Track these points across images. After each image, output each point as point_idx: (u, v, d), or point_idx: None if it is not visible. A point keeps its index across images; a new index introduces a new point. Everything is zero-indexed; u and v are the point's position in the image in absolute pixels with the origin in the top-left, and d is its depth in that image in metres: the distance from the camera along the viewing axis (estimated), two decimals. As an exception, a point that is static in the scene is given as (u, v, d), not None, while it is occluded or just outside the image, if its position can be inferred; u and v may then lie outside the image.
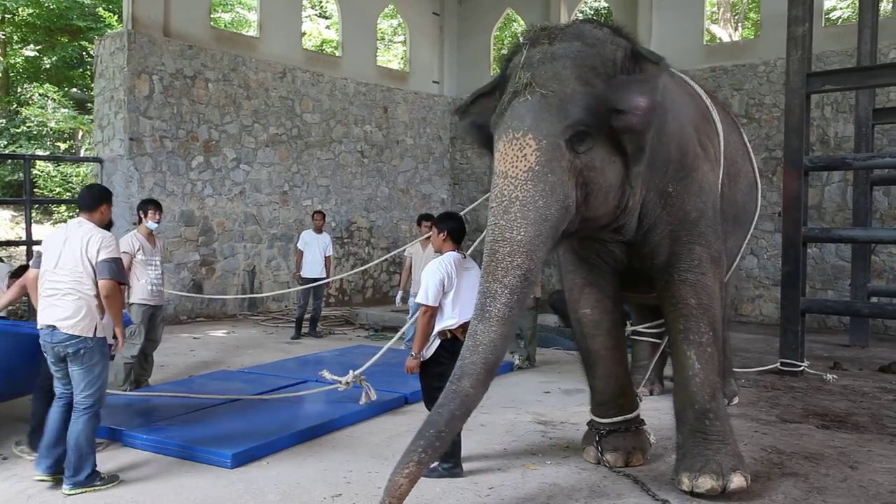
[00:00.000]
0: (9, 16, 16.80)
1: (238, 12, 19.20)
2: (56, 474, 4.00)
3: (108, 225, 4.98)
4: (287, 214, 12.21)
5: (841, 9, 16.94)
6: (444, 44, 15.01)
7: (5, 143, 16.09)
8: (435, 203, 14.56)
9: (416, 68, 14.75)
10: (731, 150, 4.75)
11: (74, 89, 17.92)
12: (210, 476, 4.21)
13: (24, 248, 10.33)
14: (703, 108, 4.53)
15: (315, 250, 9.46)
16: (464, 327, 4.30)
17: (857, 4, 9.71)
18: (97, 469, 4.03)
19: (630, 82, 3.53)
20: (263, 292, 11.73)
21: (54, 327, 3.91)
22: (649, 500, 3.87)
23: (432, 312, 4.22)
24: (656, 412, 5.23)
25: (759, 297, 11.44)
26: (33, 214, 12.71)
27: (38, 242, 6.99)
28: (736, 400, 6.00)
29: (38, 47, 17.28)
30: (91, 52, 14.15)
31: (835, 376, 7.03)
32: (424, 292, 4.22)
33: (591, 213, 3.66)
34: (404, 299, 8.27)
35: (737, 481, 3.79)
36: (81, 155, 16.93)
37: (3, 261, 7.72)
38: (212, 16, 12.82)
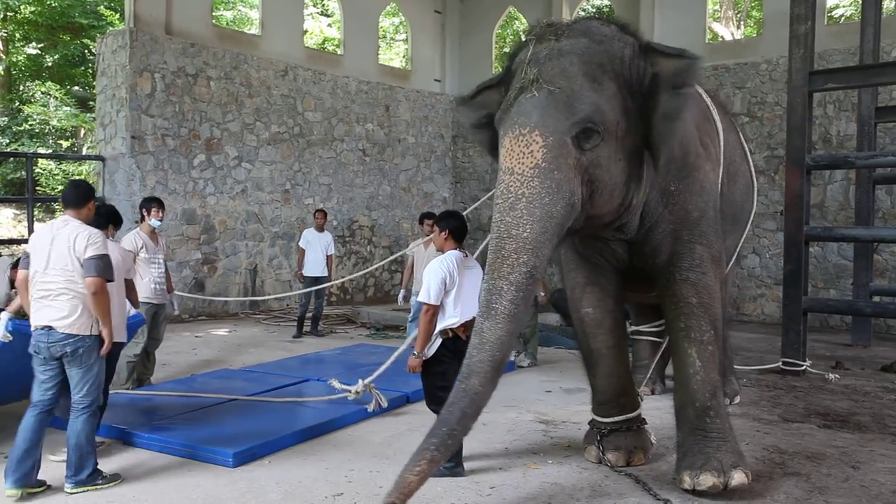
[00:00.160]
0: (11, 14, 16.81)
1: (240, 10, 19.20)
2: (26, 487, 3.83)
3: (117, 222, 4.98)
4: (289, 213, 12.22)
5: (843, 7, 16.91)
6: (446, 42, 14.99)
7: (7, 141, 16.10)
8: (437, 201, 14.56)
9: (418, 66, 14.74)
10: (730, 149, 4.76)
11: (76, 87, 17.92)
12: (212, 475, 4.21)
13: (26, 246, 10.32)
14: (703, 107, 4.53)
15: (317, 249, 9.46)
16: (465, 326, 4.31)
17: (860, 2, 9.69)
18: (98, 468, 4.02)
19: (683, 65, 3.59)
20: (265, 291, 11.75)
21: (51, 328, 3.86)
22: (651, 499, 3.87)
23: (434, 311, 4.22)
24: (658, 411, 5.23)
25: (761, 296, 11.43)
26: (35, 213, 12.71)
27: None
28: (737, 399, 6.00)
29: (40, 45, 17.29)
30: (93, 50, 14.16)
31: (837, 376, 7.02)
32: (426, 291, 4.22)
33: (595, 210, 3.65)
34: (406, 298, 8.28)
35: (738, 478, 3.79)
36: (83, 153, 16.95)
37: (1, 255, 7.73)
38: (213, 14, 12.82)
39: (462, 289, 4.27)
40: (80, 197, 4.11)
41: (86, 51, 17.17)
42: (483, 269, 4.66)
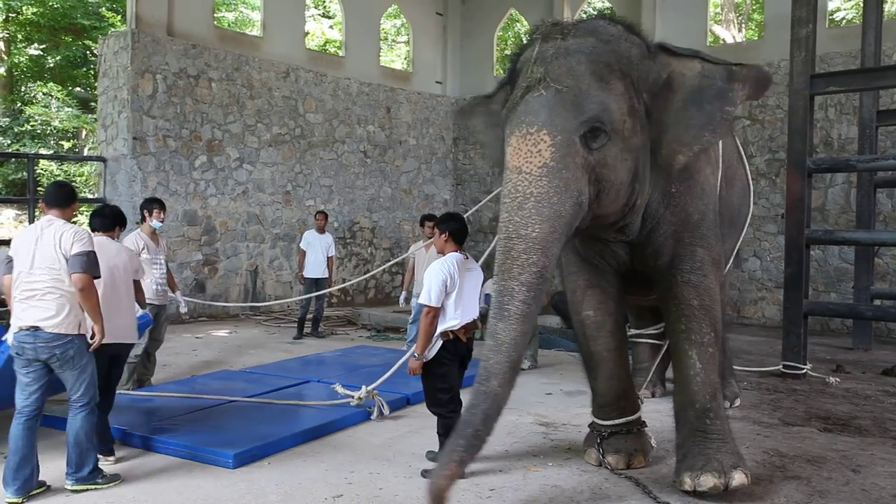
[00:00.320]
0: (13, 15, 16.84)
1: (241, 12, 19.22)
2: (27, 493, 3.80)
3: (122, 223, 4.98)
4: (290, 214, 12.22)
5: (845, 10, 16.90)
6: (448, 44, 15.01)
7: (9, 141, 16.12)
8: (438, 203, 14.56)
9: (420, 68, 14.75)
10: (727, 152, 4.78)
11: (78, 88, 17.94)
12: (212, 476, 4.21)
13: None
14: None
15: (318, 250, 9.46)
16: (466, 328, 4.31)
17: (861, 6, 9.69)
18: (99, 466, 4.01)
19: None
20: (266, 292, 11.75)
21: (37, 328, 3.77)
22: (651, 502, 3.87)
23: (435, 313, 4.22)
24: (658, 414, 5.22)
25: (762, 299, 11.42)
26: (37, 213, 12.71)
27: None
28: (738, 402, 6.00)
29: (42, 46, 17.31)
30: (95, 52, 14.16)
31: (837, 379, 7.02)
32: (427, 293, 4.22)
33: (602, 209, 3.67)
34: (407, 300, 8.29)
35: (738, 479, 3.80)
36: (85, 154, 16.97)
37: None
38: (215, 15, 12.83)
39: (463, 291, 4.27)
40: (65, 197, 4.07)
41: (87, 52, 17.19)
42: (482, 271, 4.70)
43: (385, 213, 13.82)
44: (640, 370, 6.25)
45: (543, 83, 3.46)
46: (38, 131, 16.57)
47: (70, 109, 16.59)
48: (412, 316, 7.95)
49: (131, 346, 4.71)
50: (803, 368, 7.13)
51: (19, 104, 17.18)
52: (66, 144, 17.32)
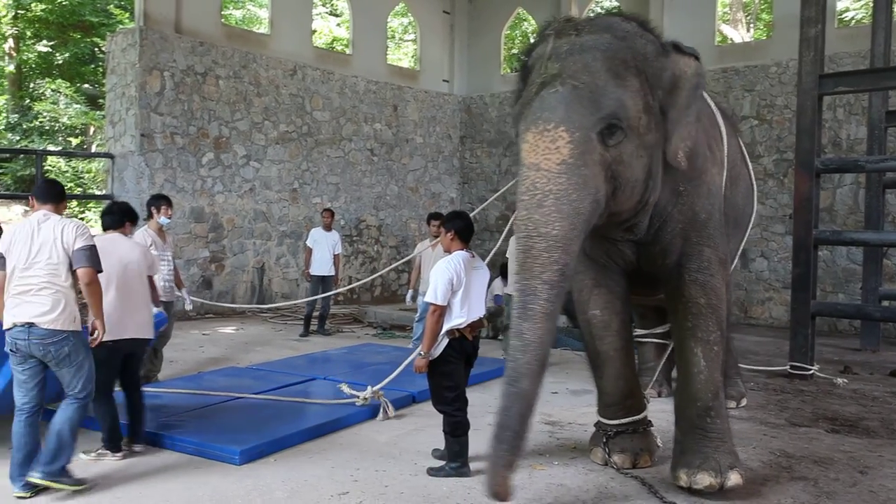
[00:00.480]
0: (22, 12, 16.92)
1: (249, 9, 19.27)
2: (35, 488, 3.76)
3: (133, 219, 4.99)
4: (296, 212, 12.24)
5: (854, 10, 16.82)
6: (455, 42, 15.00)
7: (18, 138, 16.20)
8: (444, 202, 14.56)
9: (427, 67, 14.75)
10: (731, 153, 4.77)
11: (86, 85, 18.03)
12: (218, 472, 4.22)
13: None
14: (709, 111, 4.55)
15: (324, 248, 9.48)
16: (472, 326, 4.31)
17: (871, 6, 9.64)
18: (68, 466, 3.82)
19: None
20: (272, 289, 11.78)
21: (31, 324, 3.70)
22: (657, 502, 3.86)
23: (441, 312, 4.21)
24: (664, 414, 5.20)
25: (770, 299, 11.38)
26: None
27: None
28: (744, 402, 5.98)
29: (50, 43, 17.39)
30: (103, 49, 14.23)
31: (845, 380, 6.99)
32: (433, 291, 4.22)
33: (617, 207, 3.67)
34: (414, 298, 8.29)
35: (734, 479, 3.83)
36: (93, 151, 17.04)
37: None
38: (223, 13, 12.86)
39: (469, 289, 4.27)
40: (58, 193, 4.04)
41: (96, 49, 17.27)
42: (489, 269, 4.70)
43: (391, 211, 13.83)
44: (646, 370, 6.24)
45: (560, 79, 3.44)
46: (47, 128, 16.67)
47: (78, 106, 16.68)
48: (418, 314, 7.96)
49: (148, 341, 4.66)
50: (811, 369, 7.11)
51: (28, 101, 17.28)
52: (75, 141, 17.41)
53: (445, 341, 4.25)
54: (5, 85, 17.81)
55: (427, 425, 5.12)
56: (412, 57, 18.36)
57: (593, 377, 4.59)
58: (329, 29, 19.91)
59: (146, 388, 5.87)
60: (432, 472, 4.25)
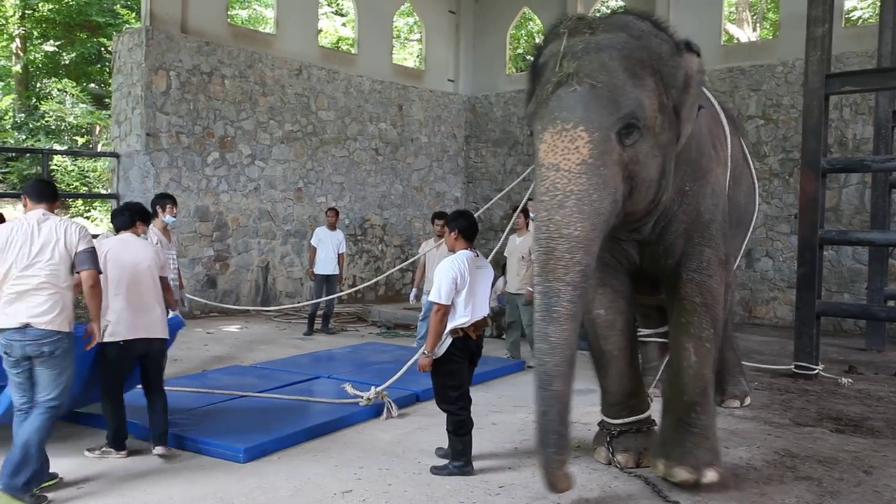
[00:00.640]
0: (29, 12, 16.99)
1: (255, 9, 19.32)
2: (40, 485, 3.75)
3: (146, 219, 4.99)
4: (301, 211, 12.26)
5: (861, 9, 16.76)
6: (460, 42, 15.00)
7: (24, 137, 16.27)
8: (449, 201, 14.57)
9: (432, 66, 14.75)
10: (734, 152, 4.78)
11: (93, 85, 18.10)
12: (222, 470, 4.24)
13: None
14: (713, 110, 4.56)
15: (328, 247, 9.49)
16: (476, 325, 4.31)
17: (878, 5, 9.60)
18: (32, 481, 3.66)
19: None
20: (277, 288, 11.80)
21: (27, 325, 3.62)
22: (661, 501, 3.86)
23: (445, 311, 4.22)
24: (668, 414, 5.20)
25: (774, 299, 11.35)
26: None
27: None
28: (748, 401, 5.97)
29: (57, 43, 17.47)
30: (109, 49, 14.28)
31: (850, 380, 6.97)
32: (437, 291, 4.22)
33: (632, 207, 3.68)
34: (418, 297, 8.30)
35: (710, 476, 3.89)
36: (99, 150, 17.10)
37: None
38: (229, 12, 12.88)
39: (473, 288, 4.27)
40: (52, 193, 3.98)
41: (102, 49, 17.33)
42: (493, 269, 4.70)
43: (396, 211, 13.84)
44: (650, 369, 6.23)
45: (577, 78, 3.42)
46: (53, 127, 16.74)
47: (84, 106, 16.74)
48: (422, 313, 7.96)
49: (163, 342, 4.61)
50: (815, 369, 7.09)
51: (34, 100, 17.35)
52: (81, 140, 17.48)
53: (449, 340, 4.25)
54: (12, 84, 17.90)
55: (431, 424, 5.13)
56: (417, 56, 18.37)
57: (597, 376, 4.59)
58: (334, 28, 19.94)
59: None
60: (436, 470, 4.25)
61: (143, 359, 4.50)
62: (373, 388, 5.52)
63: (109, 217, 9.75)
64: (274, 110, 11.82)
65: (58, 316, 3.71)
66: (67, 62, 17.55)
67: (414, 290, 8.55)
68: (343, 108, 12.86)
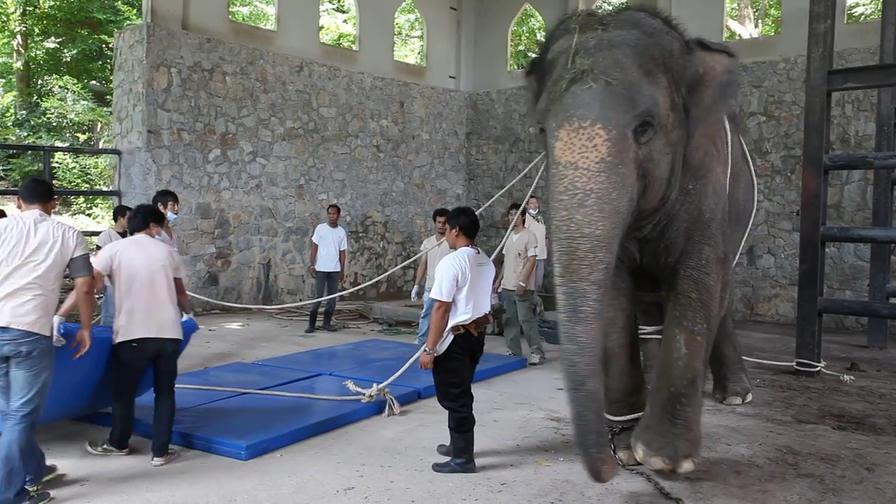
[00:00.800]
0: (30, 8, 16.98)
1: (256, 6, 19.29)
2: (40, 480, 3.77)
3: (158, 220, 4.98)
4: (302, 208, 12.25)
5: (864, 5, 16.72)
6: (462, 39, 14.97)
7: (25, 134, 16.27)
8: (450, 198, 14.56)
9: (433, 63, 14.73)
10: (734, 150, 4.77)
11: (94, 82, 18.10)
12: (224, 467, 4.25)
13: None
14: None
15: (330, 244, 9.49)
16: (477, 323, 4.31)
17: (880, 1, 9.58)
18: (26, 487, 3.64)
19: None
20: (278, 285, 11.80)
21: (6, 327, 3.53)
22: (662, 498, 3.87)
23: (446, 308, 4.22)
24: (670, 411, 5.20)
25: (776, 296, 11.34)
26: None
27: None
28: (749, 397, 5.98)
29: (58, 40, 17.46)
30: (110, 45, 14.27)
31: (852, 377, 6.97)
32: (438, 288, 4.22)
33: (644, 204, 3.68)
34: (419, 294, 8.30)
35: (686, 467, 3.93)
36: (100, 147, 17.11)
37: None
38: (230, 9, 12.87)
39: (474, 285, 4.27)
40: (47, 192, 3.93)
41: (103, 45, 17.32)
42: (494, 266, 4.69)
43: (397, 208, 13.83)
44: (651, 366, 6.23)
45: (591, 75, 3.39)
46: (54, 124, 16.74)
47: (85, 102, 16.73)
48: (424, 310, 7.96)
49: (177, 342, 4.57)
50: (817, 366, 7.09)
51: (36, 97, 17.35)
52: (82, 137, 17.48)
53: (451, 337, 4.25)
54: (13, 81, 17.90)
55: (432, 421, 5.13)
56: (419, 53, 18.35)
57: (599, 373, 4.59)
58: (336, 25, 19.92)
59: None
60: (437, 467, 4.26)
61: (156, 360, 4.49)
62: (375, 385, 5.53)
63: (111, 214, 9.76)
64: (275, 107, 11.81)
65: (39, 319, 3.62)
66: (69, 59, 17.55)
67: (416, 286, 8.55)
68: (344, 104, 12.85)
